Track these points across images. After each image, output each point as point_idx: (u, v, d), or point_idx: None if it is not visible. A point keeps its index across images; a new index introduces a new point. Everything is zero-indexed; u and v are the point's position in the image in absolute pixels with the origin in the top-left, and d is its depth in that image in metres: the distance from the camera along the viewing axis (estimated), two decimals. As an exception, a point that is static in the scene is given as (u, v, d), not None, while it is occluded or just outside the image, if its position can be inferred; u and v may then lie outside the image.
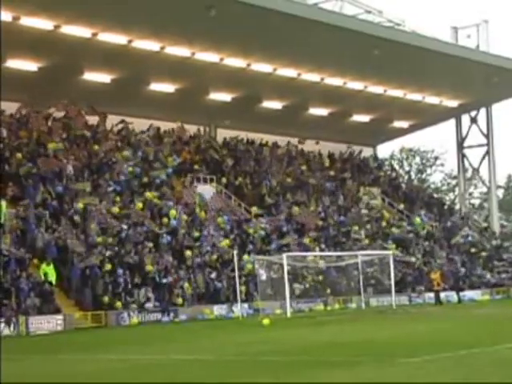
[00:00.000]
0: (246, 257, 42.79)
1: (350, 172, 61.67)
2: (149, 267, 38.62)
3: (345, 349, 19.28)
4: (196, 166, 50.96)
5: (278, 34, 43.62)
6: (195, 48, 45.76)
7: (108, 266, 37.23)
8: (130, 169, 45.73)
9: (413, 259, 51.25)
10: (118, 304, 36.16)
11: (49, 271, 35.04)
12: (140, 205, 43.05)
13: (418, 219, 56.87)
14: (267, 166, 55.45)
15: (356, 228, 52.53)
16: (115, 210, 41.64)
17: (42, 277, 34.85)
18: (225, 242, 43.71)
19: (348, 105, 58.57)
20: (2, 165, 40.94)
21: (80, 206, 40.17)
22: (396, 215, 58.70)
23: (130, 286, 37.35)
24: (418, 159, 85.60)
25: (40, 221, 37.94)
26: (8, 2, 37.09)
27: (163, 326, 35.29)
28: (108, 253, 38.06)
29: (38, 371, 17.75)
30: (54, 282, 35.04)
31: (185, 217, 44.32)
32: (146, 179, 45.92)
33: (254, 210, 49.23)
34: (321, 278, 45.27)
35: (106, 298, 36.04)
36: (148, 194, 44.48)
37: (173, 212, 43.74)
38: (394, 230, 54.95)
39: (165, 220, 43.01)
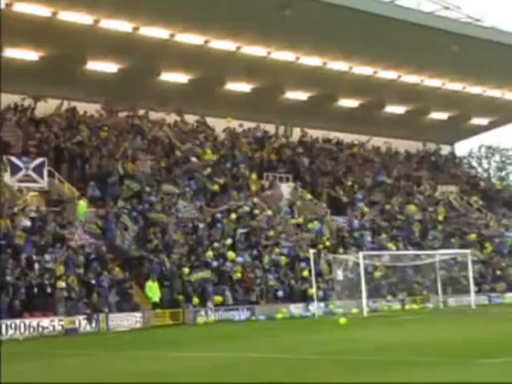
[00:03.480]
0: (322, 256, 42.72)
1: (428, 170, 61.02)
2: (226, 265, 38.94)
3: (422, 349, 19.11)
4: (273, 165, 51.17)
5: (353, 31, 43.41)
6: (271, 47, 45.91)
7: (186, 264, 37.66)
8: (208, 168, 46.19)
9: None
10: (196, 302, 36.54)
11: (153, 288, 35.02)
12: (218, 204, 43.43)
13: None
14: (343, 165, 55.27)
15: (433, 226, 51.94)
16: (194, 208, 42.09)
17: (148, 293, 35.01)
18: (302, 241, 43.77)
19: (425, 102, 57.94)
20: (83, 165, 41.86)
21: (159, 203, 40.85)
22: (474, 214, 57.77)
23: (207, 284, 37.65)
24: (497, 157, 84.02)
25: (119, 220, 38.59)
26: (88, 5, 37.88)
27: (240, 324, 35.51)
28: (186, 251, 38.51)
29: (116, 367, 18.09)
30: (157, 300, 35.03)
31: (262, 215, 44.52)
32: (223, 178, 46.28)
33: (329, 208, 49.18)
34: (398, 277, 44.88)
35: (183, 296, 36.45)
36: (225, 194, 44.85)
37: (249, 211, 44.03)
38: (473, 228, 54.10)
39: (242, 219, 43.27)
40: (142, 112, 47.74)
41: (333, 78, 50.18)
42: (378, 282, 43.41)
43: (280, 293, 39.86)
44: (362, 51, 47.32)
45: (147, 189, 41.80)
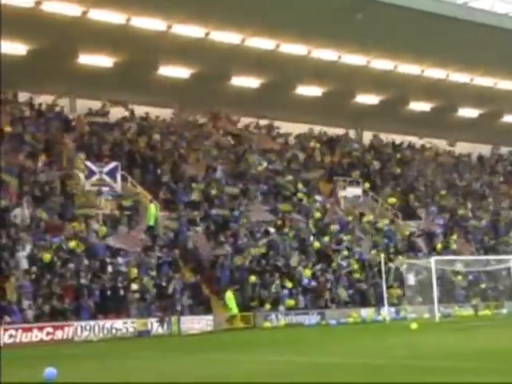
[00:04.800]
0: (393, 260, 42.43)
1: (501, 174, 60.05)
2: (297, 270, 38.98)
3: (494, 356, 18.81)
4: (343, 169, 51.07)
5: (426, 34, 42.93)
6: (342, 51, 45.75)
7: (256, 268, 37.82)
8: (279, 172, 46.36)
9: None
10: (267, 305, 36.67)
11: (232, 299, 35.39)
12: (288, 208, 43.51)
13: None
14: (415, 169, 54.80)
15: (507, 231, 51.08)
16: (265, 212, 42.24)
17: (228, 304, 35.45)
18: (370, 244, 43.60)
19: (499, 105, 56.96)
20: (155, 169, 42.41)
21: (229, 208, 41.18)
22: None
23: (278, 288, 37.76)
24: None
25: (191, 223, 38.96)
26: (161, 11, 38.37)
27: (310, 328, 35.50)
28: (256, 255, 38.68)
29: (186, 370, 18.29)
30: (234, 311, 35.41)
31: (333, 219, 44.44)
32: (293, 183, 46.33)
33: (401, 212, 48.82)
34: (470, 282, 44.27)
35: (254, 300, 36.61)
36: (295, 198, 44.92)
37: (319, 215, 44.02)
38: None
39: (313, 224, 43.24)
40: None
41: (404, 82, 49.74)
42: (450, 286, 42.93)
43: (351, 297, 39.73)
44: (434, 53, 46.72)
45: (218, 193, 42.12)
